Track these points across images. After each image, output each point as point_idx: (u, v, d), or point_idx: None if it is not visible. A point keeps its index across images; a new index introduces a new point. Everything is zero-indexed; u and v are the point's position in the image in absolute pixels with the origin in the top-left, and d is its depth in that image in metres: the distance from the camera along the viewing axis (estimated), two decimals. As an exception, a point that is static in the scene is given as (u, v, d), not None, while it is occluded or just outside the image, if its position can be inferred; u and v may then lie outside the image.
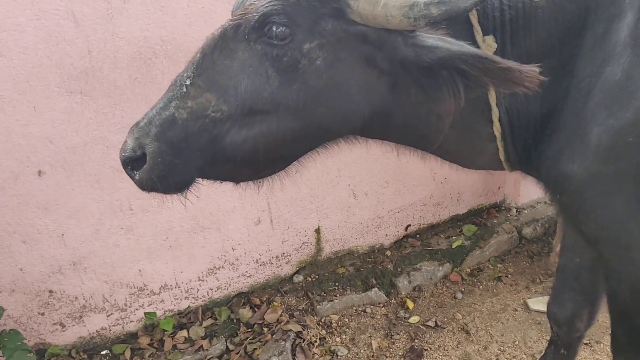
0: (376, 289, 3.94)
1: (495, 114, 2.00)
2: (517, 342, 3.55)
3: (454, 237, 4.38)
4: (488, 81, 1.64)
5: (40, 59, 2.79)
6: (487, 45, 1.90)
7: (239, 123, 1.75)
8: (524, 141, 2.06)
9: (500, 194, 4.70)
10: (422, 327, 3.72)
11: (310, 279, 4.02)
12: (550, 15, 1.89)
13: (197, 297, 3.71)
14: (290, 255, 3.96)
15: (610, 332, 2.29)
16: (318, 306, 3.79)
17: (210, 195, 3.49)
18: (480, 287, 4.07)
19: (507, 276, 4.14)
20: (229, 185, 3.31)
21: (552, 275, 4.07)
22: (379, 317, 3.82)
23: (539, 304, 3.83)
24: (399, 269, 4.11)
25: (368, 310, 3.87)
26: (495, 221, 4.53)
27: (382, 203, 4.15)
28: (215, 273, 3.71)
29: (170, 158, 1.70)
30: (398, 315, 3.82)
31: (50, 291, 3.23)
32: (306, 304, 3.86)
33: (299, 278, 4.01)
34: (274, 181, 2.01)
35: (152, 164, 1.71)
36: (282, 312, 3.74)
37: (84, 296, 3.35)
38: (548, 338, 3.53)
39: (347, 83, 1.78)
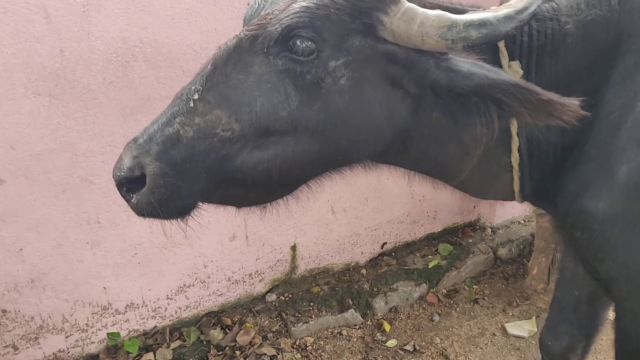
0: (352, 310, 3.80)
1: (515, 143, 1.90)
2: (497, 369, 3.47)
3: (429, 257, 4.29)
4: (524, 112, 1.52)
5: (6, 57, 2.52)
6: (513, 71, 1.80)
7: (251, 144, 1.59)
8: (541, 172, 1.97)
9: (475, 213, 4.64)
10: (400, 351, 3.59)
11: (283, 298, 3.83)
12: (580, 43, 1.80)
13: (165, 316, 3.47)
14: (263, 273, 3.76)
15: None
16: (292, 328, 3.61)
17: (184, 209, 3.26)
18: (457, 309, 3.98)
19: (483, 298, 4.07)
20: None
21: (529, 298, 4.04)
22: (355, 339, 3.68)
23: (517, 328, 3.77)
24: (375, 289, 3.97)
25: (344, 332, 3.72)
26: (470, 240, 4.47)
27: (360, 220, 4.01)
28: (185, 291, 3.48)
29: (173, 180, 1.52)
30: (375, 338, 3.68)
31: (4, 310, 2.94)
32: (280, 325, 3.67)
33: (271, 297, 3.81)
34: (279, 206, 1.83)
35: (152, 187, 1.52)
36: (255, 333, 3.54)
37: (41, 316, 3.06)
38: (528, 365, 3.48)
39: (370, 104, 1.64)
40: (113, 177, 1.57)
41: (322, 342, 3.63)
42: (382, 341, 3.67)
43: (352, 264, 4.15)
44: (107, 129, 2.86)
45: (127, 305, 3.31)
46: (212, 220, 3.39)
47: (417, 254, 4.33)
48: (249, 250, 3.62)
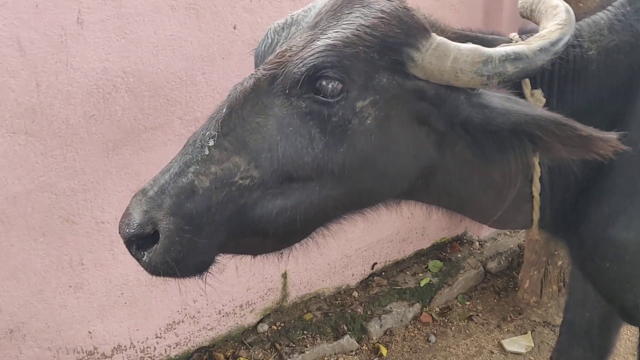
0: (348, 335, 3.69)
1: (537, 172, 1.84)
2: (498, 389, 3.42)
3: (420, 274, 4.21)
4: (561, 148, 1.46)
5: (-23, 94, 2.32)
6: (536, 100, 1.75)
7: (272, 191, 1.50)
8: (561, 202, 1.91)
9: (462, 227, 4.60)
10: (400, 376, 3.51)
11: (275, 328, 3.69)
12: (603, 70, 1.77)
13: (154, 356, 3.28)
14: (254, 303, 3.62)
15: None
16: (288, 359, 3.47)
17: (171, 243, 3.09)
18: (452, 328, 3.91)
19: (477, 315, 4.02)
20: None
21: (522, 312, 4.01)
22: (352, 366, 3.57)
23: (514, 344, 3.73)
24: (368, 312, 3.87)
25: (341, 359, 3.60)
26: (459, 255, 4.41)
27: (351, 242, 3.91)
28: (175, 328, 3.31)
29: (189, 236, 1.42)
30: (373, 364, 3.59)
31: (-19, 365, 2.72)
32: (274, 356, 3.53)
33: (263, 327, 3.67)
34: (295, 250, 1.75)
35: (167, 245, 1.42)
36: (250, 368, 3.40)
37: (21, 367, 2.85)
38: (529, 383, 3.43)
39: (396, 143, 1.58)
40: (120, 234, 1.46)
41: (319, 372, 3.51)
42: (380, 367, 3.57)
43: (343, 287, 4.03)
44: (88, 165, 2.68)
45: (114, 348, 3.12)
46: (201, 252, 3.23)
47: (408, 272, 4.25)
48: (239, 281, 3.47)
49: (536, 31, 1.77)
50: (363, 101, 1.49)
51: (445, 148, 1.66)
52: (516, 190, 1.71)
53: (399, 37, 1.48)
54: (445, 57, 1.46)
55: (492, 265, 4.37)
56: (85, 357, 3.04)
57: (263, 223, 1.51)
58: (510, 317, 3.99)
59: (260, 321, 3.70)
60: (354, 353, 3.67)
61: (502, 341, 3.76)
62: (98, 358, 3.08)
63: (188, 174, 1.44)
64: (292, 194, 1.52)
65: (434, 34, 1.52)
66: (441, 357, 3.66)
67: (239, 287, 3.49)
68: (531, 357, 3.64)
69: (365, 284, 4.14)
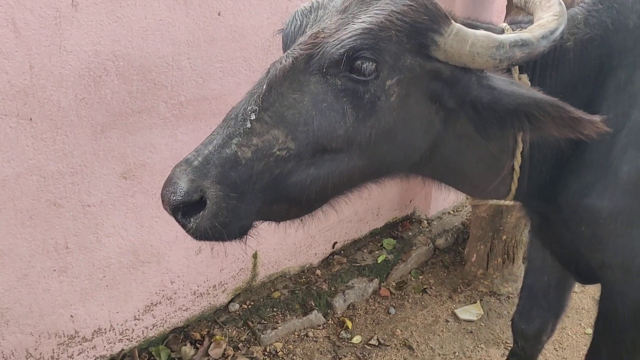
0: (315, 311, 3.87)
1: (519, 147, 2.07)
2: (457, 353, 3.73)
3: (376, 252, 4.47)
4: (553, 127, 1.68)
5: (-30, 75, 2.28)
6: (523, 84, 1.97)
7: (306, 162, 1.62)
8: (538, 174, 2.17)
9: (411, 207, 4.89)
10: (367, 346, 3.74)
11: (246, 306, 3.81)
12: (578, 60, 2.00)
13: (132, 337, 3.32)
14: (226, 284, 3.71)
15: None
16: (262, 335, 3.61)
17: (153, 225, 3.14)
18: (409, 300, 4.20)
19: (430, 288, 4.32)
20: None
21: (470, 284, 4.35)
22: (321, 340, 3.76)
23: (466, 313, 4.06)
24: (332, 289, 4.07)
25: (310, 334, 3.78)
26: (410, 233, 4.70)
27: (315, 222, 4.07)
28: (152, 310, 3.35)
29: (234, 202, 1.53)
30: (340, 337, 3.79)
31: (-36, 353, 2.67)
32: (248, 333, 3.66)
33: (234, 306, 3.78)
34: (316, 217, 1.89)
35: (215, 210, 1.51)
36: (226, 345, 3.50)
37: (3, 354, 2.81)
38: (483, 346, 3.78)
39: (412, 119, 1.75)
40: (165, 201, 1.52)
41: (291, 346, 3.67)
42: (347, 339, 3.78)
43: (307, 266, 4.21)
44: (77, 148, 2.67)
45: (95, 331, 3.13)
46: (180, 234, 3.28)
47: (365, 250, 4.49)
48: (213, 262, 3.56)
49: (524, 22, 2.02)
50: (391, 80, 1.64)
51: (448, 124, 1.84)
52: (510, 164, 1.93)
53: (425, 23, 1.64)
54: (464, 41, 1.63)
55: (440, 241, 4.70)
56: (67, 341, 3.03)
57: (297, 191, 1.64)
58: (460, 288, 4.33)
59: (232, 301, 3.80)
60: (321, 327, 3.86)
61: (455, 310, 4.08)
62: (79, 342, 3.08)
63: (232, 145, 1.54)
64: (324, 164, 1.65)
65: (453, 21, 1.69)
66: (402, 327, 3.92)
67: (213, 268, 3.58)
68: (481, 324, 3.99)
69: (326, 262, 4.34)
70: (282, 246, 3.95)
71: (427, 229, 4.79)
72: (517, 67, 1.96)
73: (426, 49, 1.67)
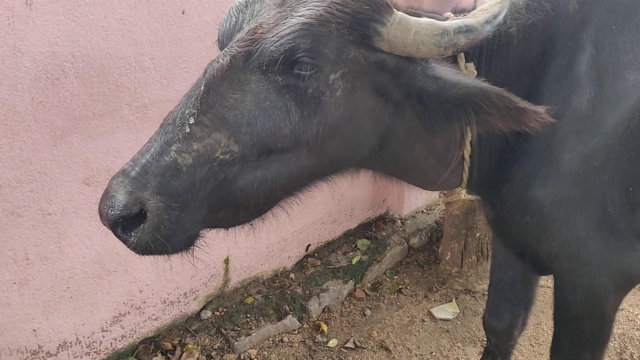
0: (290, 315, 3.79)
1: (468, 137, 2.05)
2: (434, 353, 3.69)
3: (350, 253, 4.41)
4: (499, 119, 1.66)
5: None
6: (469, 72, 1.97)
7: (252, 164, 1.57)
8: (487, 163, 2.14)
9: (384, 207, 4.85)
10: (343, 350, 3.67)
11: (219, 313, 3.71)
12: (522, 45, 1.99)
13: (100, 350, 3.19)
14: (198, 291, 3.61)
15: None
16: (235, 342, 3.52)
17: (118, 233, 3.01)
18: (385, 301, 4.15)
19: (406, 288, 4.28)
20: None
21: (445, 282, 4.32)
22: (297, 345, 3.68)
23: (442, 312, 4.03)
24: (307, 292, 4.00)
25: (285, 339, 3.70)
26: (384, 233, 4.66)
27: (287, 224, 4.00)
28: (121, 320, 3.23)
29: (177, 213, 1.46)
30: (316, 341, 3.72)
31: None
32: (221, 341, 3.56)
33: (207, 314, 3.67)
34: (266, 221, 1.84)
35: (157, 223, 1.44)
36: (199, 354, 3.40)
37: (-39, 373, 2.67)
38: (459, 345, 3.76)
39: (359, 113, 1.71)
40: (103, 216, 1.44)
41: (266, 353, 3.59)
42: (323, 342, 3.71)
43: (280, 270, 4.13)
44: (35, 154, 2.55)
45: (60, 345, 3.00)
46: (147, 241, 3.17)
47: (339, 252, 4.43)
48: (183, 269, 3.45)
49: (467, 10, 2.00)
50: (335, 74, 1.59)
51: (397, 118, 1.80)
52: (459, 157, 1.88)
53: (367, 13, 1.59)
54: (408, 30, 1.59)
55: (414, 241, 4.66)
56: (30, 357, 2.89)
57: (245, 195, 1.58)
58: (435, 287, 4.30)
59: (203, 308, 3.70)
60: (296, 332, 3.78)
61: (431, 310, 4.05)
62: (43, 357, 2.95)
63: (171, 152, 1.46)
64: (270, 165, 1.59)
65: (395, 10, 1.64)
66: (378, 329, 3.87)
67: (184, 275, 3.48)
68: (458, 322, 3.96)
69: (300, 265, 4.26)
70: (254, 250, 3.86)
71: (401, 229, 4.75)
72: (463, 55, 1.95)
73: (369, 40, 1.62)
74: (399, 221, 4.82)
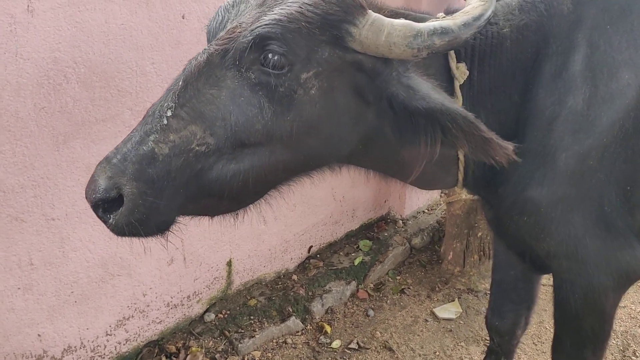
0: (293, 317, 3.80)
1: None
2: (437, 353, 3.70)
3: (352, 254, 4.42)
4: (465, 144, 1.65)
5: None
6: (461, 72, 1.98)
7: (226, 157, 1.63)
8: (483, 163, 2.15)
9: (386, 207, 4.86)
10: (347, 351, 3.68)
11: (222, 316, 3.72)
12: (515, 46, 1.99)
13: (104, 354, 3.20)
14: (201, 293, 3.62)
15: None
16: (239, 344, 3.53)
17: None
18: (388, 301, 4.16)
19: (408, 288, 4.29)
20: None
21: (447, 282, 4.33)
22: (300, 346, 3.69)
23: (445, 312, 4.04)
24: (310, 293, 4.01)
25: (289, 340, 3.71)
26: (386, 234, 4.67)
27: (289, 226, 4.02)
28: (125, 324, 3.24)
29: (151, 199, 1.55)
30: (319, 342, 3.73)
31: None
32: (225, 344, 3.57)
33: (210, 316, 3.69)
34: (251, 212, 1.88)
35: (131, 207, 1.53)
36: (203, 356, 3.41)
37: (-33, 378, 2.68)
38: (463, 344, 3.76)
39: (339, 112, 1.72)
40: (87, 198, 1.54)
41: (269, 355, 3.60)
42: (326, 344, 3.72)
43: (283, 272, 4.14)
44: (38, 160, 2.56)
45: (64, 349, 3.01)
46: (150, 245, 3.18)
47: (341, 253, 4.44)
48: (186, 272, 3.46)
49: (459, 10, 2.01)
50: (307, 73, 1.62)
51: (383, 117, 1.79)
52: (420, 169, 1.81)
53: (338, 14, 1.61)
54: (380, 32, 1.60)
55: (416, 241, 4.67)
56: (35, 362, 2.91)
57: (218, 186, 1.63)
58: (438, 287, 4.30)
59: (207, 311, 3.71)
60: (300, 333, 3.79)
61: (434, 309, 4.06)
62: (48, 361, 2.96)
63: (149, 142, 1.54)
64: (244, 158, 1.64)
65: (370, 11, 1.65)
66: (381, 329, 3.88)
67: (187, 278, 3.49)
68: (460, 321, 3.97)
69: (302, 267, 4.27)
70: (256, 252, 3.87)
71: (403, 229, 4.76)
72: (453, 56, 1.96)
73: (342, 40, 1.64)
74: (401, 221, 4.83)
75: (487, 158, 1.63)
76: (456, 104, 1.67)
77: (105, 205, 1.52)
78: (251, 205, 1.84)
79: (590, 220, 2.03)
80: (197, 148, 1.57)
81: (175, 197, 1.59)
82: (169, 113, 1.57)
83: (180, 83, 1.60)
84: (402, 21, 1.63)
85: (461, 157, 2.09)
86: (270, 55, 1.57)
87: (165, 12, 2.76)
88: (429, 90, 1.67)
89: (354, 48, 1.65)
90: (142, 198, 1.52)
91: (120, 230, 1.55)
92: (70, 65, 2.52)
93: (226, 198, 1.68)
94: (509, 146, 1.60)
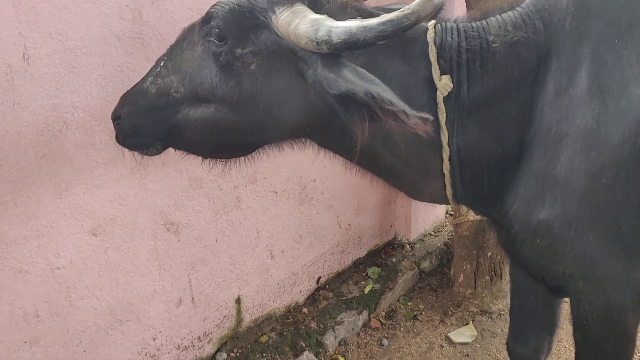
0: (307, 351, 3.71)
1: (446, 152, 2.06)
2: (456, 379, 3.61)
3: (361, 282, 4.35)
4: (388, 120, 1.66)
5: None
6: (444, 84, 1.99)
7: (189, 105, 1.99)
8: (476, 180, 2.12)
9: (392, 232, 4.81)
10: (363, 383, 3.59)
11: (234, 355, 3.63)
12: (508, 61, 1.97)
13: (116, 405, 3.10)
14: (211, 333, 3.54)
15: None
16: (253, 384, 3.44)
17: (128, 281, 2.96)
18: (401, 329, 4.07)
19: (421, 313, 4.21)
20: (147, 268, 2.93)
21: (460, 305, 4.26)
22: (316, 381, 3.60)
23: (460, 336, 3.96)
24: (321, 326, 3.92)
25: (304, 376, 3.62)
26: (394, 260, 4.60)
27: (297, 259, 3.95)
28: (135, 371, 3.15)
29: (136, 121, 2.06)
30: (335, 376, 3.64)
31: None
32: (239, 384, 3.48)
33: (222, 356, 3.59)
34: (241, 164, 2.22)
35: (123, 123, 2.09)
36: (217, 399, 3.31)
37: None
38: (482, 369, 3.67)
39: (283, 91, 1.91)
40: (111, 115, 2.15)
41: (285, 392, 3.50)
42: (342, 377, 3.63)
43: (293, 305, 4.06)
44: (41, 209, 2.51)
45: (74, 403, 2.91)
46: (158, 288, 3.12)
47: (350, 282, 4.36)
48: (195, 312, 3.38)
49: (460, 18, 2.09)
50: (242, 49, 1.89)
51: (324, 100, 1.84)
52: (360, 142, 1.79)
53: (262, 2, 1.85)
54: (290, 23, 1.76)
55: (425, 264, 4.61)
56: (45, 417, 2.81)
57: (183, 126, 2.02)
58: (451, 310, 4.23)
59: (218, 350, 3.62)
60: (314, 368, 3.70)
61: (449, 334, 3.98)
62: (58, 416, 2.86)
63: (147, 82, 2.03)
64: (199, 109, 1.99)
65: (297, 3, 1.81)
66: (396, 358, 3.79)
67: (196, 319, 3.41)
68: (477, 345, 3.89)
69: (312, 298, 4.19)
70: (265, 287, 3.80)
71: (411, 253, 4.70)
72: (436, 67, 1.97)
73: (269, 26, 1.84)
74: (408, 246, 4.77)
75: (407, 131, 1.65)
76: (372, 83, 1.67)
77: (117, 122, 2.10)
78: (241, 158, 2.18)
79: (606, 240, 1.97)
80: (174, 94, 1.98)
81: (155, 126, 2.05)
82: (162, 63, 2.03)
83: (174, 43, 2.06)
84: (315, 16, 1.74)
85: (446, 172, 2.09)
86: (212, 30, 1.91)
87: (162, 51, 2.71)
88: (350, 74, 1.70)
89: (280, 35, 1.83)
90: (129, 119, 2.06)
91: (117, 139, 2.13)
92: (69, 111, 2.49)
93: (194, 140, 2.07)
94: (424, 116, 1.61)
